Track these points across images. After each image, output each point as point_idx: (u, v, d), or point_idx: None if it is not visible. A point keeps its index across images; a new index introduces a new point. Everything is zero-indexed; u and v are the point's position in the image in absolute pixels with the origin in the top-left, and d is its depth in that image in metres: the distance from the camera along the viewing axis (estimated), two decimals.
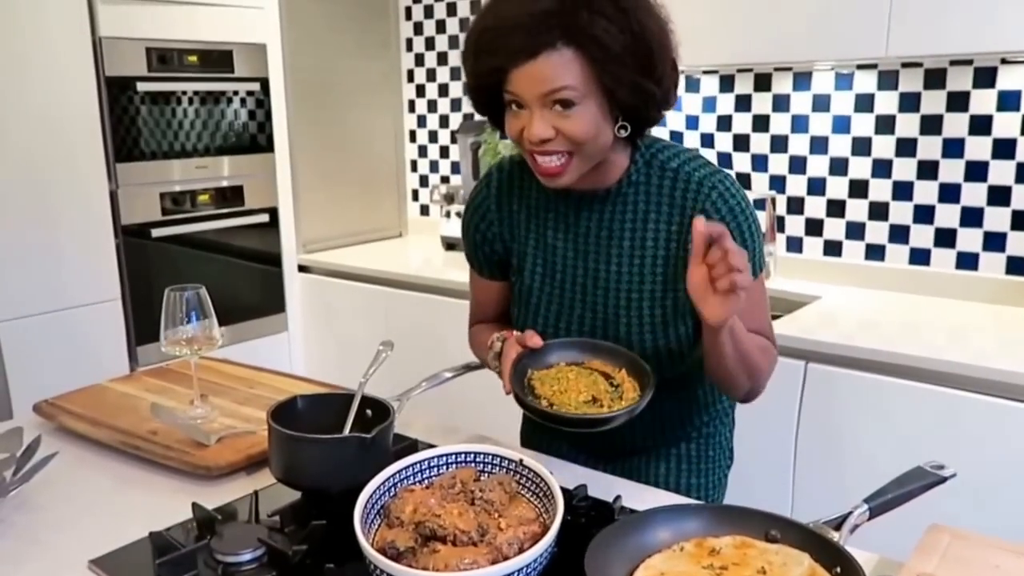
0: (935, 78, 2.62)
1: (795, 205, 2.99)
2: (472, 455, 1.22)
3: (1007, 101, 2.51)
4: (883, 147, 2.76)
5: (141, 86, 3.05)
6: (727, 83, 3.04)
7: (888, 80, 2.71)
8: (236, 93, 3.36)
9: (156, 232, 3.17)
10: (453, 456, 1.22)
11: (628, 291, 1.43)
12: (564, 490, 1.15)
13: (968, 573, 1.02)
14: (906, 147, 2.71)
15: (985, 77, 2.54)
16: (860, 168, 2.82)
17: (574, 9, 1.23)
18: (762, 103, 2.99)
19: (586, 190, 1.42)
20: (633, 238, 1.42)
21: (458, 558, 0.96)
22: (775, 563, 1.02)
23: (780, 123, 2.96)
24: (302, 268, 3.71)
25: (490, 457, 1.21)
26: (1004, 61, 2.50)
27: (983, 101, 2.55)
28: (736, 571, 1.01)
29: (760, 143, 3.02)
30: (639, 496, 1.34)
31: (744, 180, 3.07)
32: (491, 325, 1.61)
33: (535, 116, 1.29)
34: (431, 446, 1.44)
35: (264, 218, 3.52)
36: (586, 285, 1.45)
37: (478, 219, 1.56)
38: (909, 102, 2.69)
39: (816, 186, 2.93)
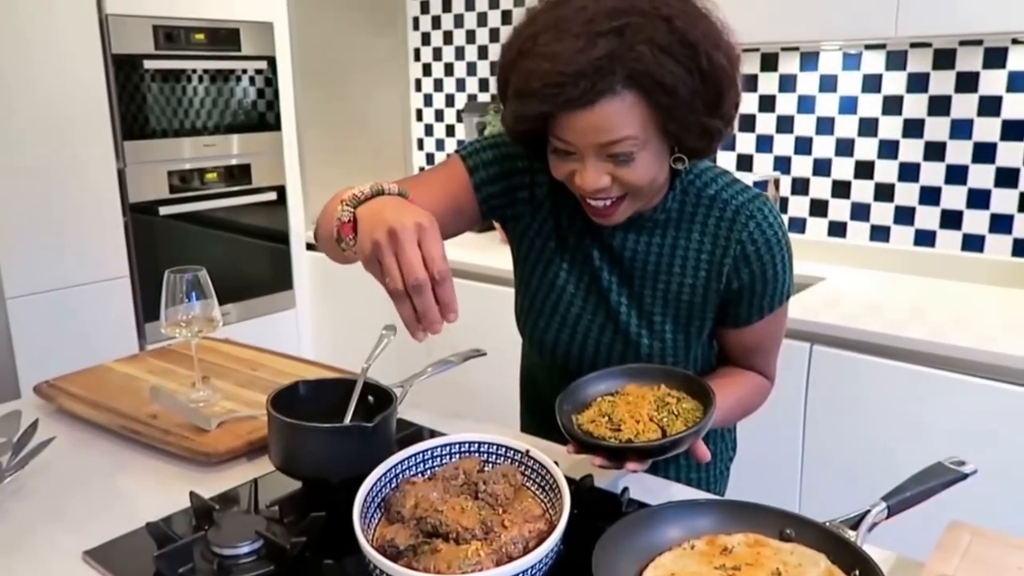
0: (944, 58, 2.60)
1: (800, 186, 2.97)
2: (476, 445, 1.18)
3: (1018, 82, 2.48)
4: (890, 128, 2.74)
5: (148, 64, 3.04)
6: None
7: (896, 60, 2.69)
8: (244, 71, 3.35)
9: (164, 210, 3.17)
10: (457, 446, 1.18)
11: (651, 314, 1.38)
12: (570, 480, 1.13)
13: (990, 575, 0.98)
14: (913, 128, 2.69)
15: (995, 57, 2.51)
16: (866, 149, 2.80)
17: (635, 45, 1.09)
18: (768, 83, 2.97)
19: None
20: (659, 264, 1.36)
21: (461, 558, 0.93)
22: (790, 564, 0.99)
23: (786, 104, 2.94)
24: (309, 246, 3.71)
25: (495, 447, 1.18)
26: (1015, 41, 2.47)
27: (993, 82, 2.53)
28: (749, 572, 0.98)
29: (766, 124, 3.00)
30: (646, 487, 1.30)
31: (747, 161, 3.06)
32: None
33: (589, 166, 1.18)
34: (438, 433, 1.43)
35: (272, 196, 3.53)
36: (609, 299, 1.39)
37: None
38: (917, 83, 2.66)
39: (822, 167, 2.91)
